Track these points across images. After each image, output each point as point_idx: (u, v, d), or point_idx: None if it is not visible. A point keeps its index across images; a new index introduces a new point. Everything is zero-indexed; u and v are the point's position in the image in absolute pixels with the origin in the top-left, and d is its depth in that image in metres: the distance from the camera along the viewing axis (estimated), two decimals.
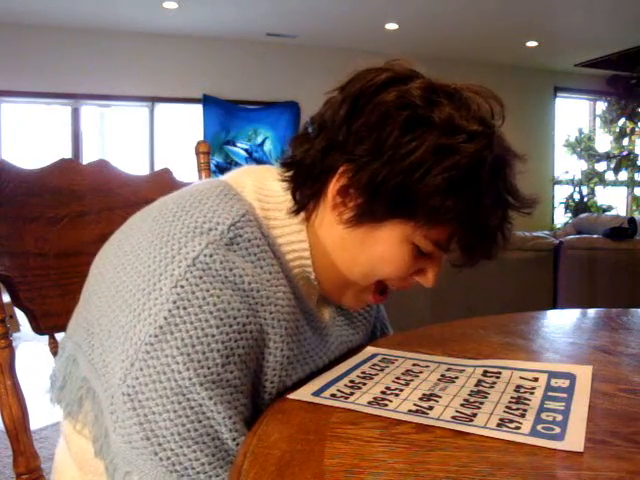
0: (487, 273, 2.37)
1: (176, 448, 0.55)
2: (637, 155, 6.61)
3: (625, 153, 6.63)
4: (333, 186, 0.63)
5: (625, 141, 6.71)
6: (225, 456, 0.57)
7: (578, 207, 6.48)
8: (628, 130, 6.62)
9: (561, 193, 6.94)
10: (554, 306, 2.39)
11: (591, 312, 1.14)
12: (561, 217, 6.86)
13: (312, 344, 0.68)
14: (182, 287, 0.56)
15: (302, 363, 0.66)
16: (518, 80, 6.61)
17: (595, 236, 2.48)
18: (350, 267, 0.66)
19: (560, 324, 1.02)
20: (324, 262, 0.67)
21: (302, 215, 0.67)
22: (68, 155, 5.30)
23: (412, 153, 0.58)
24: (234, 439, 0.56)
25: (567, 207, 6.72)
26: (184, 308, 0.56)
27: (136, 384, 0.55)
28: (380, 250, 0.64)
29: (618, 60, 6.02)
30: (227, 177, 0.70)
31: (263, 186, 0.68)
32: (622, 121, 6.59)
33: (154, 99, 5.70)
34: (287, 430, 0.54)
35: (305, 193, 0.66)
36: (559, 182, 6.96)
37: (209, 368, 0.55)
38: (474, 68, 6.42)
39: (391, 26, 5.32)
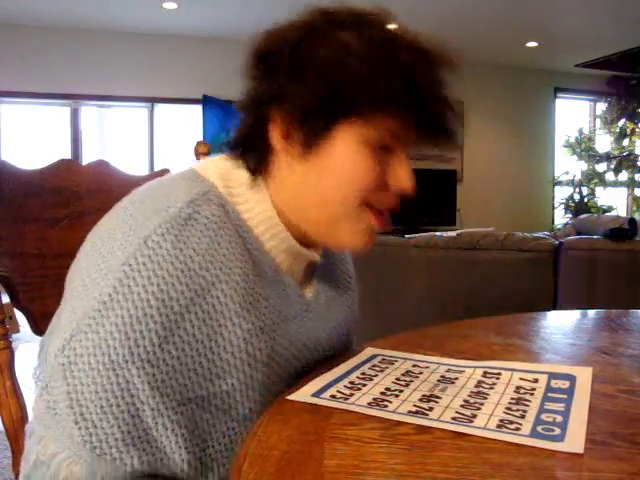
0: (487, 273, 2.37)
1: (96, 420, 0.56)
2: (637, 156, 6.61)
3: (625, 154, 6.63)
4: (274, 133, 0.65)
5: (625, 142, 6.71)
6: (142, 435, 0.57)
7: (578, 208, 6.47)
8: (628, 131, 6.62)
9: (561, 194, 6.94)
10: (554, 307, 2.39)
11: (591, 313, 1.14)
12: (561, 218, 6.86)
13: (286, 317, 0.67)
14: (130, 265, 0.57)
15: (270, 337, 0.64)
16: (518, 80, 6.61)
17: (595, 237, 2.48)
18: (325, 199, 0.66)
19: (560, 325, 1.02)
20: (301, 215, 0.68)
21: (262, 185, 0.68)
22: (67, 156, 5.30)
23: (320, 55, 0.61)
24: (154, 418, 0.57)
25: (567, 208, 6.72)
26: (128, 286, 0.57)
27: (72, 354, 0.57)
28: (342, 162, 0.64)
29: (618, 61, 6.02)
30: (195, 164, 0.72)
31: (225, 166, 0.70)
32: (622, 122, 6.59)
33: (154, 99, 5.70)
34: (287, 431, 0.54)
35: (256, 158, 0.68)
36: (559, 183, 6.96)
37: (145, 347, 0.56)
38: (474, 68, 6.42)
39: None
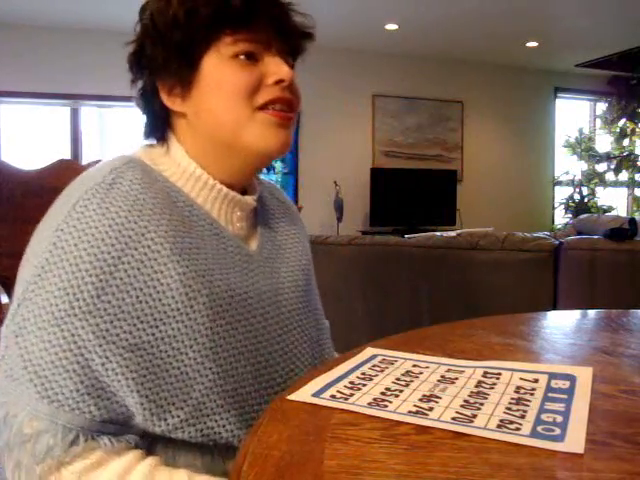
0: (487, 273, 2.37)
1: (49, 375, 0.60)
2: (637, 156, 6.61)
3: (626, 154, 6.62)
4: (165, 98, 0.74)
5: (625, 142, 6.70)
6: (94, 383, 0.61)
7: (578, 208, 6.47)
8: (629, 131, 6.62)
9: (561, 194, 6.94)
10: (554, 307, 2.39)
11: (591, 313, 1.14)
12: (561, 218, 6.85)
13: (224, 266, 0.72)
14: (62, 230, 0.64)
15: (207, 280, 0.68)
16: (518, 80, 6.61)
17: (595, 237, 2.48)
18: (220, 119, 0.73)
19: (560, 325, 1.02)
20: (217, 149, 0.75)
21: (178, 148, 0.76)
22: (67, 156, 5.29)
23: (156, 16, 0.73)
24: (103, 364, 0.61)
25: (567, 208, 6.72)
26: (62, 248, 0.63)
27: (20, 320, 0.62)
28: (216, 81, 0.72)
29: (619, 61, 6.02)
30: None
31: (150, 147, 0.78)
32: (622, 122, 6.58)
33: None
34: (287, 431, 0.54)
35: (161, 128, 0.77)
36: (559, 183, 6.95)
37: (84, 300, 0.61)
38: (474, 68, 6.43)
39: (391, 26, 5.32)
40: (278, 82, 0.73)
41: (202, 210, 0.74)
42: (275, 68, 0.73)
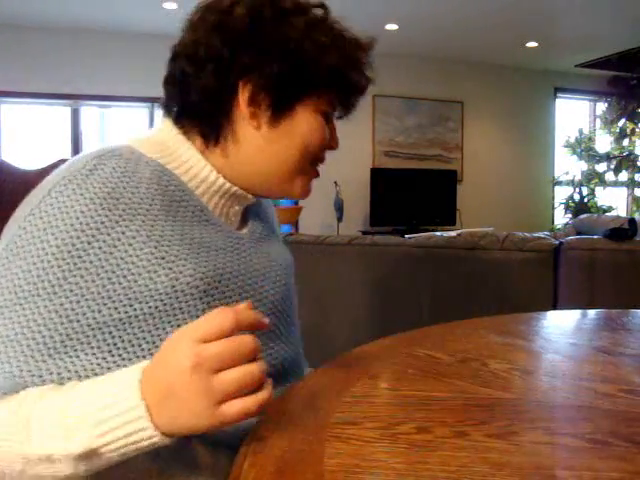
0: (487, 273, 2.37)
1: (2, 349, 0.60)
2: (637, 156, 6.61)
3: (625, 154, 6.62)
4: (242, 101, 0.73)
5: (625, 142, 6.69)
6: (58, 362, 0.61)
7: (578, 208, 6.47)
8: (628, 131, 6.61)
9: (561, 194, 6.93)
10: (554, 307, 2.38)
11: (591, 313, 1.14)
12: (561, 218, 6.85)
13: (213, 247, 0.73)
14: (33, 215, 0.64)
15: (193, 262, 0.69)
16: (518, 81, 6.60)
17: (595, 237, 2.47)
18: (288, 158, 0.77)
19: (560, 325, 1.02)
20: (259, 170, 0.77)
21: (198, 144, 0.76)
22: (68, 155, 5.28)
23: (286, 36, 0.72)
24: (62, 341, 0.61)
25: (567, 208, 6.71)
26: (30, 232, 0.63)
27: None
28: (305, 128, 0.76)
29: (618, 61, 6.01)
30: None
31: (146, 133, 0.78)
32: (622, 122, 6.58)
33: (154, 100, 5.69)
34: (287, 430, 0.54)
35: (212, 124, 0.75)
36: (559, 183, 6.95)
37: (49, 281, 0.62)
38: (474, 68, 6.43)
39: (391, 26, 5.32)
40: (331, 148, 0.82)
41: (194, 196, 0.74)
42: (335, 136, 0.82)
